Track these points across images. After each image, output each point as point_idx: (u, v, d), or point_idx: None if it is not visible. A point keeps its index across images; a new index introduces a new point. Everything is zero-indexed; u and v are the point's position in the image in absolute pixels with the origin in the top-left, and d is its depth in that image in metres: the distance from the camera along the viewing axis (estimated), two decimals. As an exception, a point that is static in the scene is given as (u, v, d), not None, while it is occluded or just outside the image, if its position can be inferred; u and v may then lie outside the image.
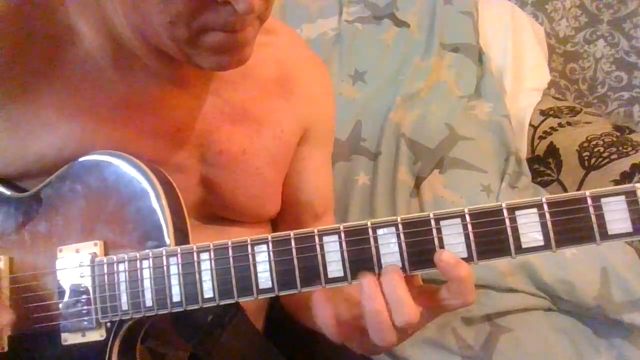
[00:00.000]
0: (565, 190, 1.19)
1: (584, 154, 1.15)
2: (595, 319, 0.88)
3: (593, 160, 1.14)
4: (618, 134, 1.16)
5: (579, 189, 1.16)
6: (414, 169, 1.18)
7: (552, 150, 1.23)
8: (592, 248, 0.93)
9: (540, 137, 1.28)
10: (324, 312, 0.49)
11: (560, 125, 1.27)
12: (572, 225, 0.45)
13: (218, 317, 0.55)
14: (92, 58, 0.56)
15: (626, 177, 1.07)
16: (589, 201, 0.44)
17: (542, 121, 1.31)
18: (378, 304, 0.46)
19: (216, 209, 0.66)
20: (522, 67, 1.39)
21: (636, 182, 1.06)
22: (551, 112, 1.33)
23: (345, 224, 0.47)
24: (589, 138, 1.17)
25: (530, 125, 1.32)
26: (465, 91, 1.33)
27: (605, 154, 1.12)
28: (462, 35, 1.37)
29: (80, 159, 0.55)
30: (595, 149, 1.14)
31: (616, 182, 1.08)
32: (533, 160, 1.28)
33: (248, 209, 0.67)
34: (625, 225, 0.44)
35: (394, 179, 1.16)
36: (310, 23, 1.37)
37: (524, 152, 1.29)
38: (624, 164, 1.08)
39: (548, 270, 0.89)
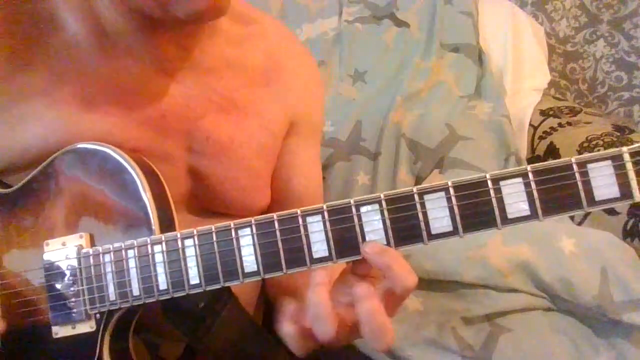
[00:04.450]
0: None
1: (584, 154, 1.15)
2: (595, 319, 0.88)
3: (593, 160, 1.14)
4: (618, 134, 1.16)
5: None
6: (414, 169, 1.19)
7: (552, 150, 1.23)
8: (592, 247, 0.93)
9: (540, 137, 1.28)
10: (288, 325, 0.49)
11: (560, 125, 1.27)
12: (559, 193, 0.44)
13: (209, 304, 0.55)
14: (76, 44, 0.56)
15: (626, 177, 1.07)
16: (575, 168, 0.44)
17: (542, 121, 1.31)
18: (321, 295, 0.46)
19: (206, 202, 0.66)
20: (522, 67, 1.40)
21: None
22: (551, 112, 1.33)
23: (328, 203, 0.47)
24: (589, 138, 1.17)
25: (530, 125, 1.32)
26: (465, 91, 1.33)
27: (605, 154, 1.11)
28: (462, 35, 1.37)
29: (63, 151, 0.55)
30: (595, 149, 1.14)
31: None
32: (533, 160, 1.28)
33: (237, 201, 0.67)
34: (613, 190, 0.43)
35: (394, 179, 1.16)
36: (310, 23, 1.37)
37: (524, 152, 1.29)
38: (624, 164, 1.08)
39: (548, 270, 0.89)
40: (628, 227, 1.04)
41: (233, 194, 0.66)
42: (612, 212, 1.08)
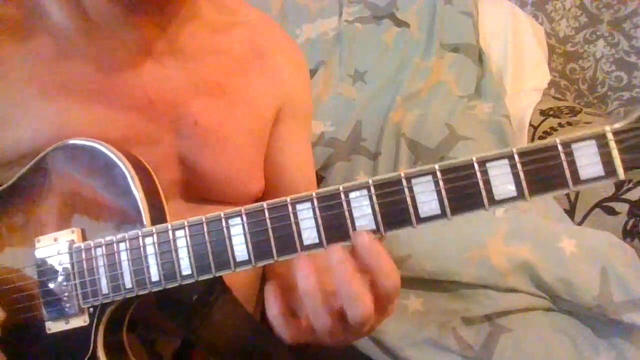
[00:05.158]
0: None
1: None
2: (595, 319, 0.88)
3: (593, 160, 1.13)
4: (618, 134, 1.16)
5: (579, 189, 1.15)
6: (414, 169, 1.18)
7: (552, 150, 1.23)
8: (593, 248, 0.93)
9: (540, 137, 1.28)
10: (274, 307, 0.48)
11: (560, 125, 1.27)
12: (545, 174, 0.44)
13: (203, 297, 0.55)
14: (60, 30, 0.57)
15: (626, 177, 1.07)
16: (560, 148, 0.44)
17: (542, 121, 1.31)
18: (311, 283, 0.45)
19: (200, 189, 0.65)
20: (522, 67, 1.40)
21: (637, 182, 1.06)
22: (551, 112, 1.33)
23: (317, 190, 0.48)
24: (589, 138, 1.17)
25: (530, 125, 1.31)
26: (465, 91, 1.33)
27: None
28: (462, 35, 1.37)
29: (53, 147, 0.56)
30: (595, 149, 1.13)
31: (616, 182, 1.08)
32: (533, 160, 1.28)
33: (230, 187, 0.66)
34: (597, 169, 0.44)
35: (394, 179, 1.16)
36: (310, 23, 1.37)
37: (524, 152, 1.29)
38: (624, 164, 1.08)
39: (548, 270, 0.89)
40: (628, 227, 1.04)
41: (225, 179, 0.66)
42: (612, 212, 1.08)
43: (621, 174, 0.44)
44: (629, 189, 1.07)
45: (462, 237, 0.93)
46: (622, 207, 1.05)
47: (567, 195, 1.18)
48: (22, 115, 0.56)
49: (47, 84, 0.57)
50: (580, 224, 1.12)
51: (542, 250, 0.91)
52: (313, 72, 1.34)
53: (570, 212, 1.16)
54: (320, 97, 1.30)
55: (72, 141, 0.55)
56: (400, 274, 1.00)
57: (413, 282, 0.93)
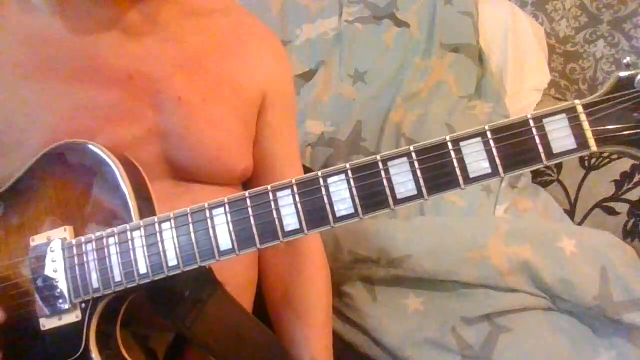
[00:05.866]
0: (566, 192, 1.18)
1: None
2: (595, 319, 0.88)
3: (593, 160, 1.14)
4: (618, 133, 1.16)
5: (579, 190, 1.15)
6: (414, 169, 1.18)
7: (552, 150, 1.23)
8: (592, 248, 0.93)
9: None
10: None
11: (560, 125, 1.27)
12: (518, 149, 0.45)
13: (195, 292, 0.56)
14: (38, 10, 0.59)
15: (626, 177, 1.07)
16: (532, 123, 0.45)
17: (542, 121, 1.30)
18: None
19: (187, 167, 0.65)
20: (522, 67, 1.40)
21: (636, 182, 1.06)
22: (551, 112, 1.33)
23: (297, 177, 0.49)
24: (589, 138, 1.16)
25: (530, 125, 1.31)
26: (465, 91, 1.33)
27: (605, 154, 1.12)
28: (462, 35, 1.37)
29: (44, 152, 0.57)
30: (595, 149, 1.13)
31: (616, 182, 1.08)
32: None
33: (216, 163, 0.66)
34: (569, 142, 0.45)
35: (394, 179, 1.16)
36: (310, 23, 1.37)
37: (524, 152, 1.29)
38: (624, 164, 1.08)
39: (548, 269, 0.89)
40: (628, 227, 1.04)
41: (211, 155, 0.66)
42: (612, 212, 1.08)
43: (593, 145, 0.44)
44: (629, 189, 1.07)
45: (462, 237, 0.93)
46: (622, 207, 1.05)
47: (567, 195, 1.18)
48: (10, 100, 0.58)
49: (29, 67, 0.58)
50: (580, 224, 1.12)
51: (542, 250, 0.91)
52: (313, 72, 1.34)
53: (570, 212, 1.16)
54: (320, 97, 1.30)
55: (62, 143, 0.57)
56: (400, 274, 1.01)
57: (413, 282, 0.93)
